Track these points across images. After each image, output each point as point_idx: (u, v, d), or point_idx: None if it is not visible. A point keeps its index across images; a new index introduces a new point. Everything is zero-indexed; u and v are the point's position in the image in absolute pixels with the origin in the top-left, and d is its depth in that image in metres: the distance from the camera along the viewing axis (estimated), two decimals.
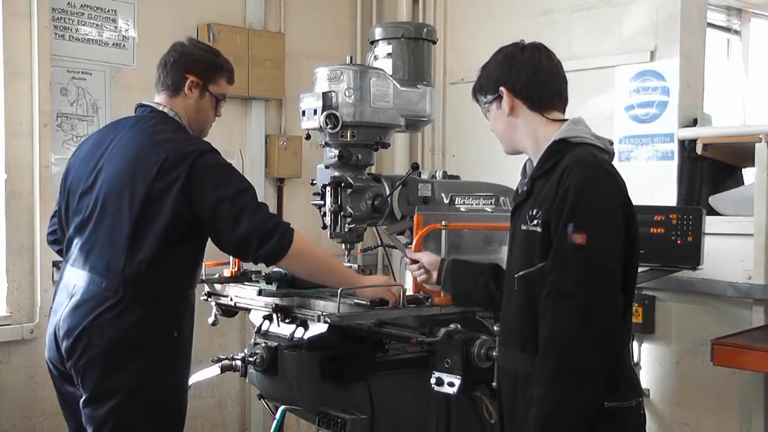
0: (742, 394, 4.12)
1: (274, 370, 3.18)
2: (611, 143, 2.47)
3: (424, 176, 3.65)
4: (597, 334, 2.19)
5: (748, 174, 4.64)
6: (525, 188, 2.44)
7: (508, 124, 2.49)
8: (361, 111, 3.27)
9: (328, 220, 3.33)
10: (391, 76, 3.38)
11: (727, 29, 6.53)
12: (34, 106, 4.27)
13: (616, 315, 2.26)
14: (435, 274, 2.89)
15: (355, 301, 3.03)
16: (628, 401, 2.32)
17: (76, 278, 2.91)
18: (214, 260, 3.66)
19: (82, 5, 4.53)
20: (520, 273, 2.36)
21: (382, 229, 3.62)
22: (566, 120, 2.46)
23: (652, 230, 3.83)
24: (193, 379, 3.27)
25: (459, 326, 2.84)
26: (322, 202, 3.36)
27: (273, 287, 3.23)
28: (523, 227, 2.37)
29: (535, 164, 2.45)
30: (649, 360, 4.46)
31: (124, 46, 4.68)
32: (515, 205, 2.49)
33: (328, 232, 3.34)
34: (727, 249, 4.11)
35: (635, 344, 4.41)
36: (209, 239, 2.96)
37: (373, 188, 3.34)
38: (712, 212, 4.25)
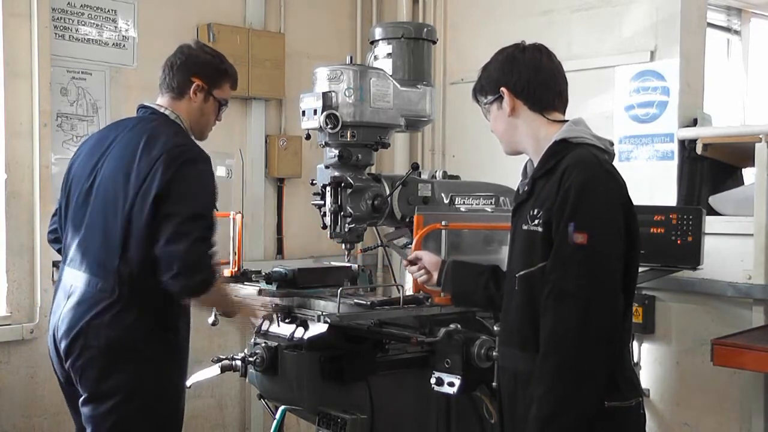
0: (742, 394, 4.12)
1: (274, 370, 3.18)
2: (612, 144, 2.47)
3: (424, 176, 3.65)
4: (597, 334, 2.19)
5: (748, 174, 4.64)
6: (526, 188, 2.45)
7: (509, 125, 2.49)
8: (361, 111, 3.27)
9: (328, 220, 3.33)
10: (391, 76, 3.38)
11: (727, 29, 6.52)
12: (34, 106, 4.27)
13: (617, 315, 2.26)
14: (435, 275, 2.89)
15: (356, 301, 3.03)
16: (628, 401, 2.32)
17: (73, 278, 2.92)
18: None
19: (82, 5, 4.53)
20: (521, 273, 2.36)
21: (381, 230, 3.63)
22: (567, 120, 2.46)
23: (652, 230, 3.83)
24: (193, 379, 3.28)
25: (459, 326, 2.85)
26: (322, 202, 3.36)
27: (273, 287, 3.23)
28: (524, 227, 2.37)
29: (535, 164, 2.45)
30: (649, 360, 4.46)
31: (124, 46, 4.68)
32: (516, 205, 2.49)
33: (328, 232, 3.34)
34: (727, 249, 4.11)
35: (635, 344, 4.41)
36: None
37: (373, 188, 3.34)
38: (712, 212, 4.25)
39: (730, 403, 4.19)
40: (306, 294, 3.20)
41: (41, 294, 4.28)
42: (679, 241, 3.82)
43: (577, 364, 2.19)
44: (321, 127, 3.25)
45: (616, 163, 2.47)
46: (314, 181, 3.47)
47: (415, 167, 3.52)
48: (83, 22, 4.53)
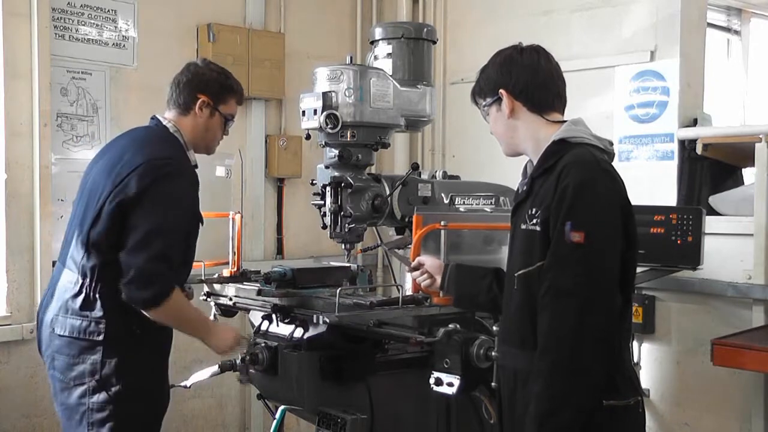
0: (742, 394, 4.12)
1: (274, 370, 3.18)
2: (611, 144, 2.48)
3: (424, 176, 3.65)
4: (594, 332, 2.20)
5: (748, 174, 4.64)
6: (525, 188, 2.45)
7: (508, 126, 2.50)
8: (361, 111, 3.27)
9: (328, 220, 3.33)
10: (391, 76, 3.38)
11: (727, 29, 6.52)
12: (34, 106, 4.27)
13: (614, 313, 2.27)
14: (439, 279, 2.89)
15: (355, 301, 3.03)
16: (626, 400, 2.32)
17: (57, 273, 3.09)
18: (214, 260, 3.66)
19: (82, 5, 4.53)
20: (520, 272, 2.37)
21: (381, 230, 3.63)
22: (566, 121, 2.46)
23: (652, 230, 3.83)
24: (193, 379, 3.28)
25: (458, 326, 2.84)
26: (322, 202, 3.36)
27: (272, 287, 3.23)
28: (523, 226, 2.38)
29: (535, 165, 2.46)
30: (649, 360, 4.46)
31: (124, 46, 4.68)
32: (515, 204, 2.50)
33: (328, 232, 3.35)
34: (727, 249, 4.11)
35: (635, 344, 4.41)
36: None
37: (373, 188, 3.34)
38: (712, 212, 4.25)
39: (730, 403, 4.19)
40: (305, 294, 3.20)
41: (41, 294, 4.27)
42: (679, 241, 3.82)
43: (573, 361, 2.20)
44: (321, 127, 3.25)
45: (615, 163, 2.47)
46: (314, 181, 3.47)
47: (415, 167, 3.52)
48: (83, 22, 4.53)
